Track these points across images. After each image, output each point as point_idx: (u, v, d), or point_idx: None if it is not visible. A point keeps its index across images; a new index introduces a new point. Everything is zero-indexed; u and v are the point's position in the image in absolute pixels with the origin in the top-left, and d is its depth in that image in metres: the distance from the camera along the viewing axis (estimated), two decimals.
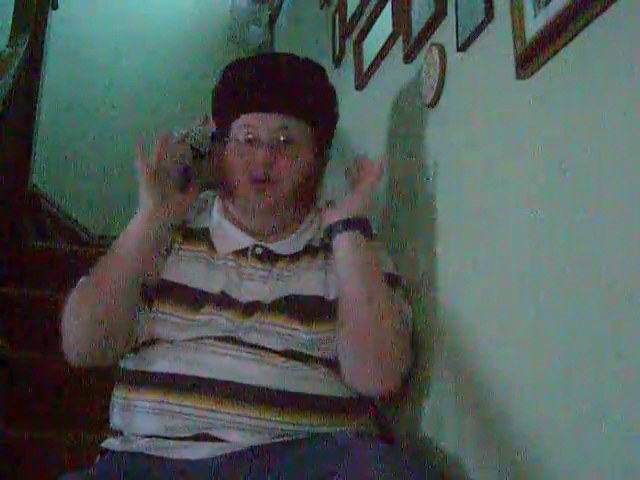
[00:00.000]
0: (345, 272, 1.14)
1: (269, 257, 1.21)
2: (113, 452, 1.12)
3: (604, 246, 0.74)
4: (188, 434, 1.08)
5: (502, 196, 1.00)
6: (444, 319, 1.16)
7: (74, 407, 1.86)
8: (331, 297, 1.18)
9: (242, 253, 1.21)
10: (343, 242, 1.15)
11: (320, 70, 1.30)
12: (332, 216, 1.17)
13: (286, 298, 1.17)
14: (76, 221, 3.40)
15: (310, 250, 1.23)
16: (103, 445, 1.15)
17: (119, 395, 1.16)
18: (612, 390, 0.72)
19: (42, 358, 1.93)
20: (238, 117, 1.22)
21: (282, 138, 1.18)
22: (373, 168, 1.17)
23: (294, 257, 1.22)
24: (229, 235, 1.23)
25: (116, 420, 1.16)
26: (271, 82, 1.21)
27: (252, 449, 1.07)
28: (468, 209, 1.11)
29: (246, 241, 1.22)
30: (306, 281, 1.19)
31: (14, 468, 1.65)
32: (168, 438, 1.09)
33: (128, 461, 1.08)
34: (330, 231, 1.16)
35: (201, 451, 1.07)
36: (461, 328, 1.10)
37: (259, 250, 1.21)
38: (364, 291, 1.12)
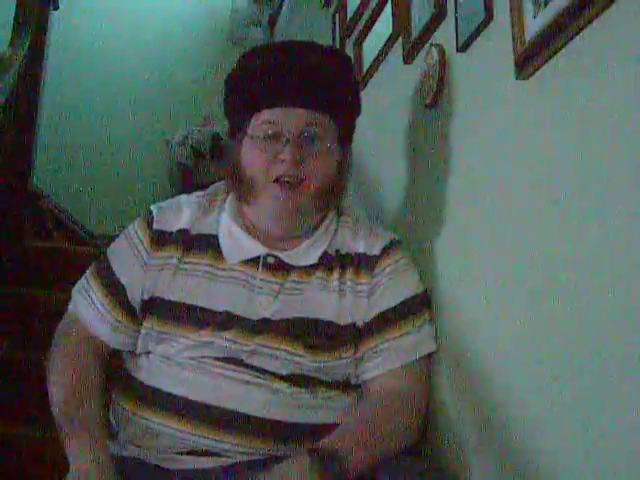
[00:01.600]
0: None
1: (281, 268, 1.12)
2: (111, 456, 1.07)
3: (608, 246, 0.74)
4: (181, 450, 1.04)
5: (502, 196, 1.00)
6: (445, 319, 1.16)
7: None
8: (342, 322, 1.11)
9: (252, 263, 1.12)
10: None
11: (347, 60, 1.20)
12: None
13: (295, 321, 1.08)
14: (76, 221, 3.40)
15: (325, 262, 1.14)
16: None
17: (114, 398, 1.14)
18: (613, 390, 0.72)
19: (42, 358, 1.92)
20: (259, 111, 1.11)
21: (309, 135, 1.09)
22: None
23: (308, 269, 1.12)
24: (239, 242, 1.13)
25: (111, 418, 1.13)
26: (296, 74, 1.11)
27: (253, 462, 1.04)
28: (468, 209, 1.11)
29: (257, 250, 1.13)
30: (319, 303, 1.10)
31: (14, 468, 1.65)
32: (162, 451, 1.05)
33: (124, 467, 1.04)
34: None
35: (197, 463, 1.04)
36: (462, 330, 1.10)
37: (271, 259, 1.12)
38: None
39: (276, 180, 1.08)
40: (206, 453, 1.04)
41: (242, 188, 1.13)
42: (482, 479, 1.00)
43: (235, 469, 1.03)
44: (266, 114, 1.11)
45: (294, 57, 1.14)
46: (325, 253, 1.15)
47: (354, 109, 1.21)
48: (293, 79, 1.11)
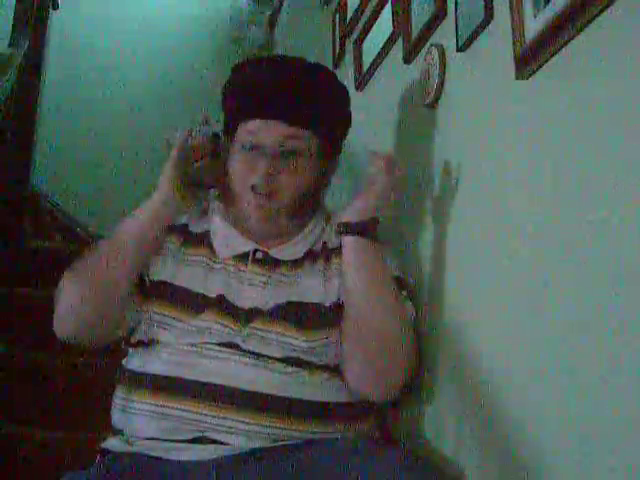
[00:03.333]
0: (349, 275, 1.13)
1: (269, 262, 1.18)
2: (113, 453, 1.12)
3: (607, 247, 0.74)
4: (187, 437, 1.08)
5: (502, 196, 1.00)
6: (444, 320, 1.16)
7: (74, 407, 1.86)
8: (328, 303, 1.16)
9: (242, 257, 1.18)
10: (348, 245, 1.14)
11: (331, 76, 1.25)
12: (341, 217, 1.16)
13: (285, 305, 1.15)
14: (76, 221, 3.40)
15: (310, 256, 1.21)
16: (103, 446, 1.15)
17: (118, 395, 1.16)
18: (612, 390, 0.72)
19: (42, 358, 1.93)
20: (244, 121, 1.18)
21: (286, 148, 1.15)
22: (381, 165, 1.13)
23: (295, 263, 1.19)
24: (229, 239, 1.20)
25: (116, 420, 1.16)
26: (280, 89, 1.17)
27: (254, 451, 1.07)
28: (468, 209, 1.12)
29: (246, 245, 1.19)
30: (305, 288, 1.17)
31: (14, 468, 1.65)
32: (167, 440, 1.08)
33: (128, 462, 1.08)
34: (338, 232, 1.16)
35: (202, 453, 1.07)
36: (461, 329, 1.10)
37: (259, 255, 1.18)
38: (368, 295, 1.12)
39: (252, 188, 1.15)
40: (210, 440, 1.07)
41: (226, 191, 1.20)
42: (481, 479, 1.00)
43: (236, 460, 1.06)
44: (250, 124, 1.17)
45: (279, 71, 1.20)
46: (311, 250, 1.22)
47: (339, 124, 1.26)
48: (275, 93, 1.17)
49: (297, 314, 1.14)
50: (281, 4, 3.71)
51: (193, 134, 1.17)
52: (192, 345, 1.11)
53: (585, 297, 0.78)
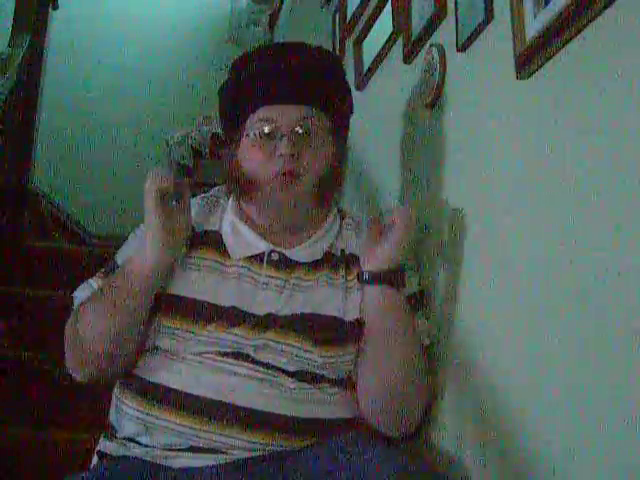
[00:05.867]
0: (374, 325, 1.11)
1: (286, 264, 1.13)
2: (110, 456, 1.09)
3: (608, 246, 0.74)
4: (182, 447, 1.05)
5: (502, 196, 1.00)
6: (446, 321, 1.16)
7: (74, 407, 1.86)
8: (348, 318, 1.12)
9: (257, 259, 1.13)
10: (372, 294, 1.10)
11: (337, 59, 1.23)
12: (365, 264, 1.12)
13: (302, 316, 1.10)
14: (76, 221, 3.40)
15: (330, 260, 1.16)
16: (101, 449, 1.12)
17: (115, 391, 1.14)
18: (613, 391, 0.72)
19: (42, 358, 1.93)
20: (254, 111, 1.14)
21: (304, 130, 1.12)
22: (404, 218, 1.10)
23: (313, 266, 1.14)
24: (244, 239, 1.15)
25: (112, 418, 1.14)
26: (289, 72, 1.14)
27: (254, 458, 1.05)
28: (468, 209, 1.11)
29: (262, 246, 1.14)
30: (325, 299, 1.12)
31: (13, 468, 1.65)
32: (163, 449, 1.06)
33: (126, 466, 1.05)
34: (361, 280, 1.12)
35: (200, 460, 1.04)
36: (462, 329, 1.10)
37: (275, 256, 1.13)
38: (391, 349, 1.09)
39: (274, 175, 1.11)
40: (206, 449, 1.04)
41: (241, 187, 1.15)
42: (481, 479, 1.00)
43: (235, 467, 1.04)
44: (261, 112, 1.14)
45: (286, 56, 1.17)
46: (330, 252, 1.17)
47: (346, 106, 1.24)
48: (286, 77, 1.14)
49: (314, 327, 1.10)
50: (281, 4, 3.72)
51: (161, 176, 1.05)
52: (196, 354, 1.07)
53: (588, 302, 0.78)
